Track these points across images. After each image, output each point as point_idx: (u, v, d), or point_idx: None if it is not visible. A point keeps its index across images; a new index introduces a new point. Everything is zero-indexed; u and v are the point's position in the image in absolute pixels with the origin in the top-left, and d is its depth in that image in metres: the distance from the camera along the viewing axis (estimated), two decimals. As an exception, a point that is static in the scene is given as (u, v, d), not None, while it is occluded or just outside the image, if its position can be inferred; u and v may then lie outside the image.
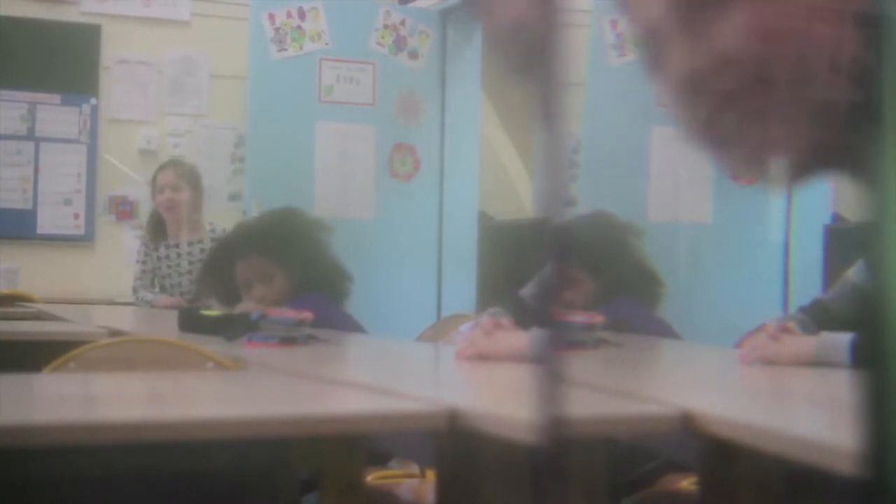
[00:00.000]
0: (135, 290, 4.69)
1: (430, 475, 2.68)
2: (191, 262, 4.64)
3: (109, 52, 6.11)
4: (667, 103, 0.92)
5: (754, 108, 0.85)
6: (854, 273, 2.41)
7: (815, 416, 1.68)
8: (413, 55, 6.11)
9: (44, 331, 3.15)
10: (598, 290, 3.11)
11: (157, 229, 4.73)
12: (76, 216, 6.06)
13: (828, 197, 5.76)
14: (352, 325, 3.15)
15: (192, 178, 4.79)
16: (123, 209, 6.14)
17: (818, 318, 2.35)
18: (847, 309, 2.36)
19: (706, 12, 0.84)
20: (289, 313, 2.67)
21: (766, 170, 0.88)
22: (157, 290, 4.66)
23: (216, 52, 6.26)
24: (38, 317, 3.87)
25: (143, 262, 4.71)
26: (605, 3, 5.73)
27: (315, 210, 5.87)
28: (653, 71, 0.92)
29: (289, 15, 5.87)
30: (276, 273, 3.18)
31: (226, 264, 3.26)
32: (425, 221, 5.99)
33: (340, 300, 3.26)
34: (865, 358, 0.82)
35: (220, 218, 5.95)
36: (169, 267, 4.66)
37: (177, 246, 4.68)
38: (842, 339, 2.07)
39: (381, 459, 2.82)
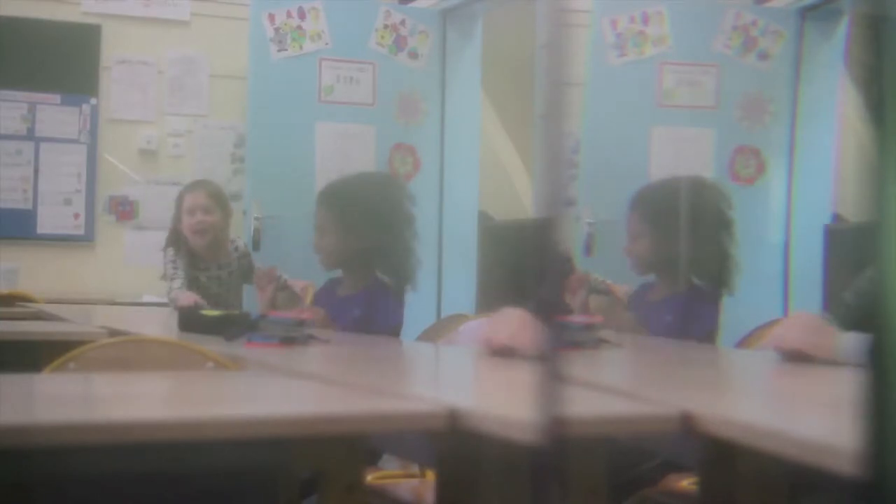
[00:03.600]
0: (169, 291, 4.32)
1: (430, 475, 2.68)
2: (220, 286, 4.42)
3: (109, 52, 6.11)
4: None
5: None
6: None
7: (815, 416, 1.68)
8: (413, 55, 6.11)
9: (44, 331, 3.14)
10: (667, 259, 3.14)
11: (185, 253, 4.37)
12: (76, 216, 6.06)
13: (828, 197, 5.77)
14: (388, 327, 3.15)
15: (222, 200, 4.46)
16: (123, 209, 6.14)
17: (842, 317, 2.33)
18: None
19: None
20: (289, 313, 2.67)
21: None
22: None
23: (216, 52, 6.26)
24: (38, 317, 3.87)
25: (178, 269, 4.33)
26: (605, 3, 5.73)
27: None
28: None
29: (289, 15, 5.87)
30: (330, 229, 3.23)
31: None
32: (425, 221, 5.98)
33: (399, 289, 3.27)
34: (866, 359, 0.82)
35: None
36: (198, 289, 4.34)
37: (206, 269, 4.42)
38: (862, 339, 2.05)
39: (373, 457, 2.82)
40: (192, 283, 4.35)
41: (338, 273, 3.40)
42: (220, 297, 4.41)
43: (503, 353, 2.27)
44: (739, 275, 3.32)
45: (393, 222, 3.27)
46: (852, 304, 2.40)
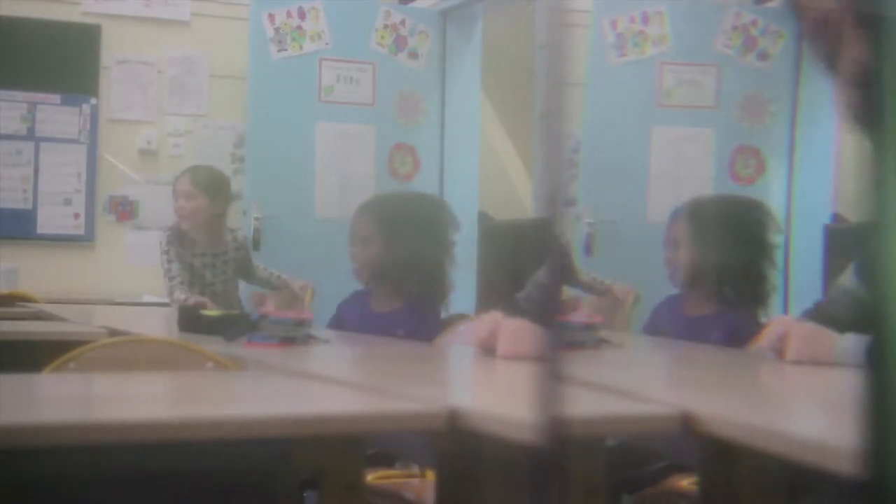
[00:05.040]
0: (171, 291, 4.41)
1: (430, 475, 2.68)
2: (214, 275, 4.45)
3: (109, 52, 6.11)
4: (838, 92, 0.91)
5: None
6: (848, 277, 2.40)
7: (815, 416, 1.68)
8: (413, 55, 6.11)
9: (44, 331, 3.14)
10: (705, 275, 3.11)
11: (179, 238, 4.48)
12: (76, 216, 6.06)
13: (828, 197, 5.77)
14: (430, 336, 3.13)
15: (209, 186, 4.49)
16: (123, 209, 6.15)
17: (820, 322, 2.34)
18: (845, 313, 2.35)
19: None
20: (289, 313, 2.67)
21: None
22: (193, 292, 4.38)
23: (216, 52, 6.26)
24: (38, 317, 3.87)
25: (172, 262, 4.42)
26: (605, 3, 5.73)
27: (315, 210, 5.88)
28: (826, 63, 0.91)
29: (289, 15, 5.88)
30: (373, 240, 3.21)
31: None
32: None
33: (435, 307, 3.26)
34: (866, 359, 0.82)
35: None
36: (192, 276, 4.43)
37: (203, 255, 4.47)
38: (860, 341, 2.06)
39: (389, 461, 2.82)
40: (186, 269, 4.42)
41: (359, 286, 3.37)
42: (216, 286, 4.43)
43: (488, 351, 2.29)
44: (775, 296, 3.28)
45: (435, 241, 3.26)
46: (830, 311, 2.40)
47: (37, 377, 1.97)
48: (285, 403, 1.77)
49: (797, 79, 5.72)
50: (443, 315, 3.32)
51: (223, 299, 4.41)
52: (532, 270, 3.04)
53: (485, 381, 2.24)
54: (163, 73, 6.22)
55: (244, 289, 4.73)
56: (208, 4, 6.27)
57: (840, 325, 2.24)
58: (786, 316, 2.48)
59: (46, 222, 6.01)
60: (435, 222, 3.30)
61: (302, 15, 5.89)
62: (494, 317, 2.36)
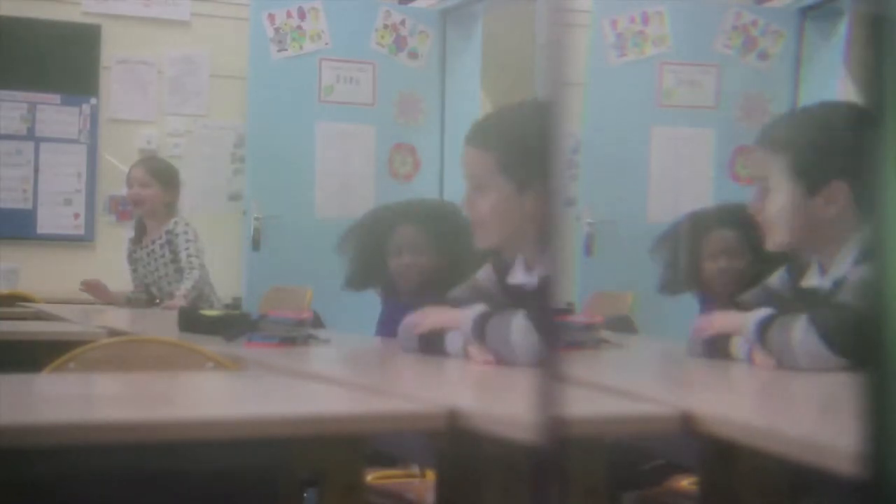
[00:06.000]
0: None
1: (430, 475, 2.68)
2: (155, 260, 4.61)
3: (109, 52, 6.11)
4: None
5: None
6: (775, 280, 2.39)
7: (815, 416, 1.68)
8: (413, 55, 6.11)
9: (44, 331, 3.15)
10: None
11: (137, 228, 4.73)
12: (76, 216, 6.06)
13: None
14: None
15: (162, 175, 4.68)
16: (123, 209, 6.14)
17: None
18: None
19: None
20: (288, 313, 2.67)
21: None
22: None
23: (216, 52, 6.26)
24: (38, 317, 3.87)
25: (129, 263, 4.75)
26: (605, 3, 5.73)
27: (315, 210, 5.88)
28: None
29: (289, 15, 5.88)
30: (425, 246, 3.24)
31: (385, 227, 3.33)
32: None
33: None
34: (865, 359, 0.82)
35: (221, 218, 5.96)
36: (144, 267, 4.66)
37: (145, 246, 4.67)
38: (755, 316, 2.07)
39: (389, 461, 2.82)
40: (138, 267, 4.67)
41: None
42: (159, 271, 4.56)
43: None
44: None
45: (468, 245, 3.30)
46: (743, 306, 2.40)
47: (37, 377, 1.97)
48: (285, 403, 1.77)
49: (797, 79, 5.72)
50: None
51: (165, 283, 4.58)
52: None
53: (485, 381, 2.24)
54: (163, 73, 6.22)
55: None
56: (208, 4, 6.26)
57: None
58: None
59: (46, 222, 6.01)
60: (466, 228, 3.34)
61: (302, 15, 5.89)
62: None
